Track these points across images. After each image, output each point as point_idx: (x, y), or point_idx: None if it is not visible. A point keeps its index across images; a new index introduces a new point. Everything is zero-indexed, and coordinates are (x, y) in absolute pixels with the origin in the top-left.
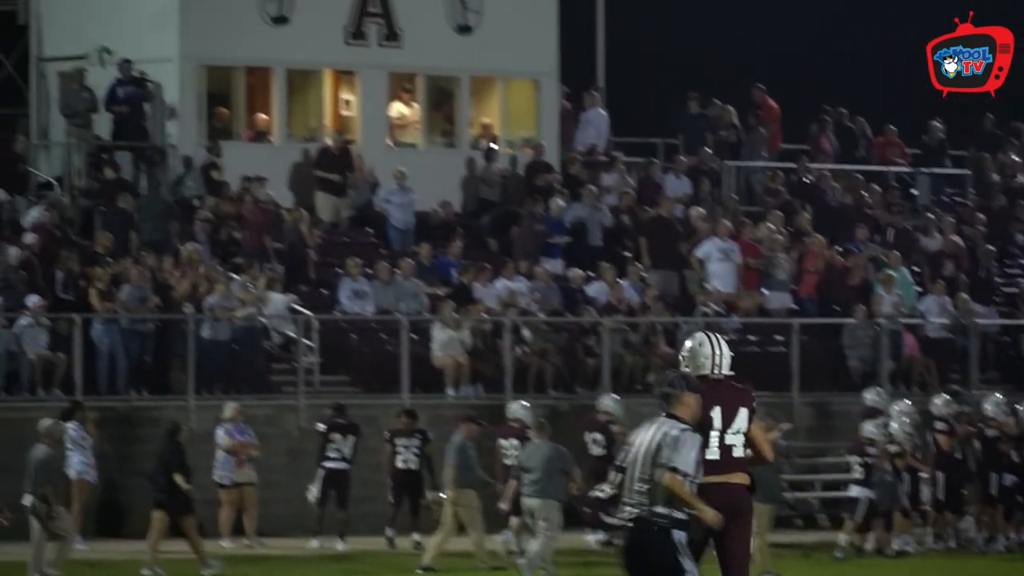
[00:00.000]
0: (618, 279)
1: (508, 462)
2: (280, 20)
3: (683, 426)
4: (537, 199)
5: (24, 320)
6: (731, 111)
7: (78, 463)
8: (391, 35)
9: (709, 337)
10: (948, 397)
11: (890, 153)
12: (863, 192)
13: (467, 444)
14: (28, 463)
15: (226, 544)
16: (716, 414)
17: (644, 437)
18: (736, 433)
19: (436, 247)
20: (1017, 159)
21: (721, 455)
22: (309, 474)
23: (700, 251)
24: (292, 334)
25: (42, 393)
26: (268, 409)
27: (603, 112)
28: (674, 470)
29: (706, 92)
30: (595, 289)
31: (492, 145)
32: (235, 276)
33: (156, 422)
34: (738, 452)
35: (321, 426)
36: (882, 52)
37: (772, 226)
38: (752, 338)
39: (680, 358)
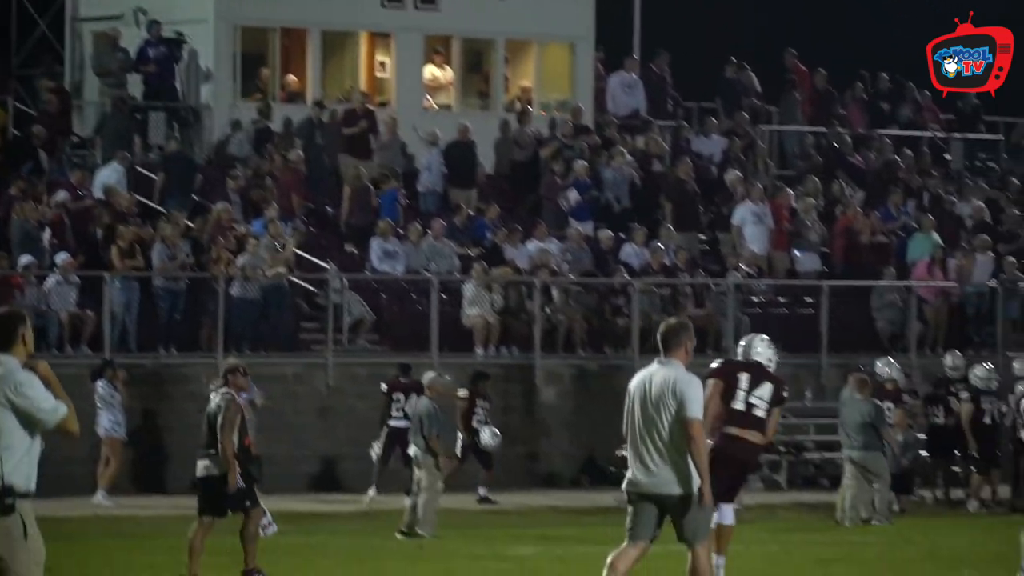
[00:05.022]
0: (651, 241)
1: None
2: None
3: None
4: (561, 160)
5: (53, 278)
6: (753, 77)
7: (107, 421)
8: None
9: (764, 340)
10: None
11: (924, 118)
12: (896, 157)
13: (434, 407)
14: None
15: None
16: (743, 378)
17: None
18: (759, 398)
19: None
20: None
21: (746, 409)
22: (338, 432)
23: (735, 216)
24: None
25: (70, 350)
26: (297, 367)
27: (637, 77)
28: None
29: (741, 57)
30: (627, 251)
31: (528, 107)
32: (264, 235)
33: (184, 380)
34: (759, 412)
35: (384, 386)
36: (917, 18)
37: (805, 190)
38: (782, 300)
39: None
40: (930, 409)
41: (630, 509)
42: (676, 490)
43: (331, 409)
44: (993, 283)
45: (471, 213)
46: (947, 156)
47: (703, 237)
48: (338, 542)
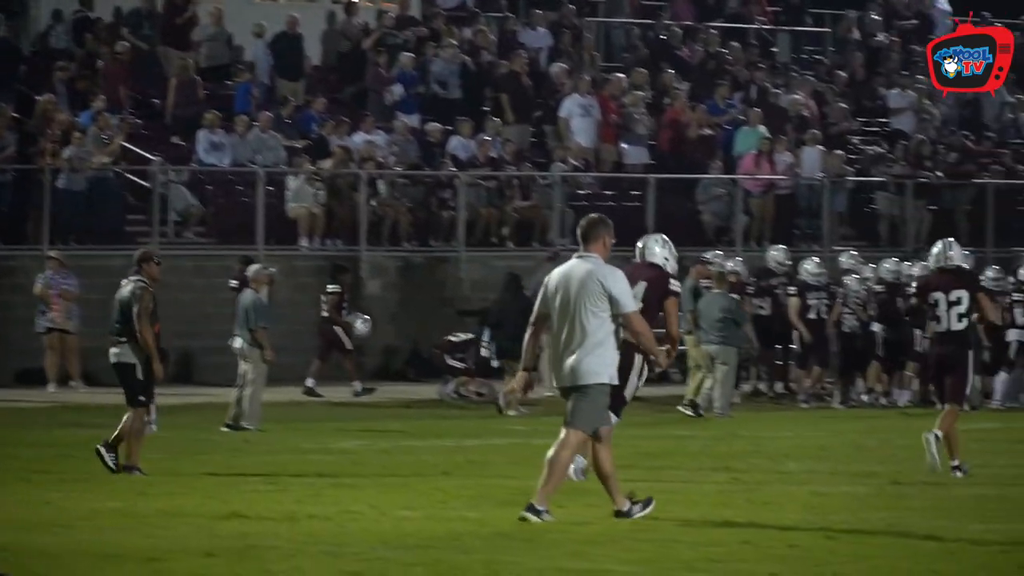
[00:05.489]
0: (478, 134)
1: None
2: None
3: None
4: (386, 51)
5: None
6: None
7: None
8: None
9: (658, 240)
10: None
11: (751, 11)
12: (723, 49)
13: (259, 299)
14: None
15: (52, 388)
16: (639, 282)
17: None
18: (636, 297)
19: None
20: (877, 18)
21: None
22: (164, 324)
23: (562, 109)
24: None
25: None
26: (124, 260)
27: None
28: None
29: None
30: (454, 144)
31: None
32: (91, 127)
33: (11, 272)
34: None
35: (233, 282)
36: None
37: (632, 82)
38: (608, 193)
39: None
40: (755, 302)
41: (567, 402)
42: (580, 381)
43: (158, 301)
44: (820, 177)
45: (298, 105)
46: (774, 49)
47: (532, 130)
48: (162, 435)
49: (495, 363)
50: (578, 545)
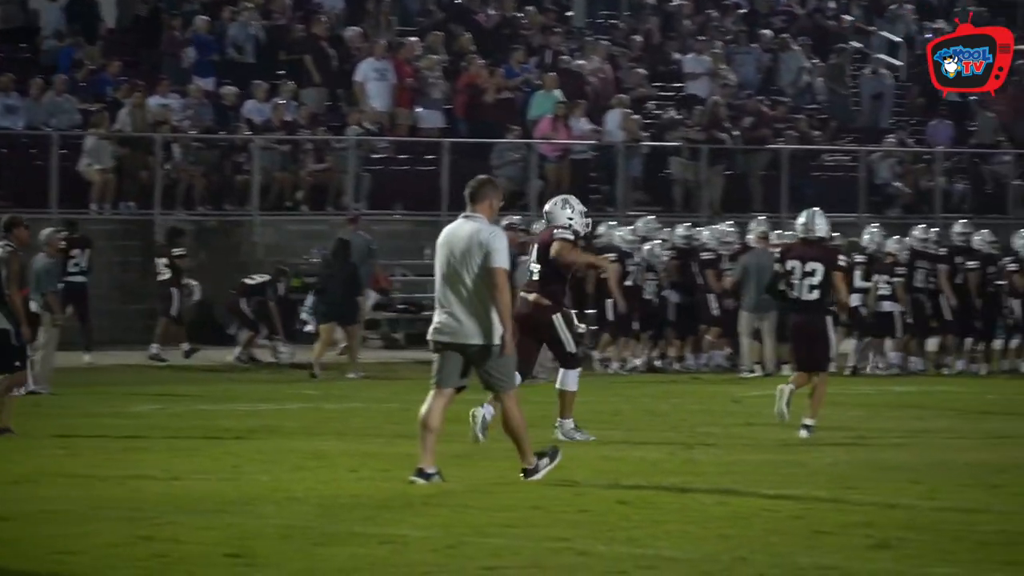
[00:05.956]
0: (272, 98)
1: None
2: None
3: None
4: (179, 16)
5: None
6: None
7: None
8: None
9: (556, 203)
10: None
11: None
12: (518, 13)
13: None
14: None
15: None
16: (534, 249)
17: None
18: (534, 262)
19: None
20: None
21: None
22: None
23: (358, 73)
24: None
25: None
26: None
27: None
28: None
29: None
30: (249, 107)
31: None
32: None
33: None
34: (535, 275)
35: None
36: None
37: (428, 46)
38: (403, 156)
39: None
40: None
41: (436, 358)
42: (478, 340)
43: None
44: (615, 141)
45: (93, 68)
46: (569, 13)
47: (328, 92)
48: None
49: (310, 328)
50: (371, 510)
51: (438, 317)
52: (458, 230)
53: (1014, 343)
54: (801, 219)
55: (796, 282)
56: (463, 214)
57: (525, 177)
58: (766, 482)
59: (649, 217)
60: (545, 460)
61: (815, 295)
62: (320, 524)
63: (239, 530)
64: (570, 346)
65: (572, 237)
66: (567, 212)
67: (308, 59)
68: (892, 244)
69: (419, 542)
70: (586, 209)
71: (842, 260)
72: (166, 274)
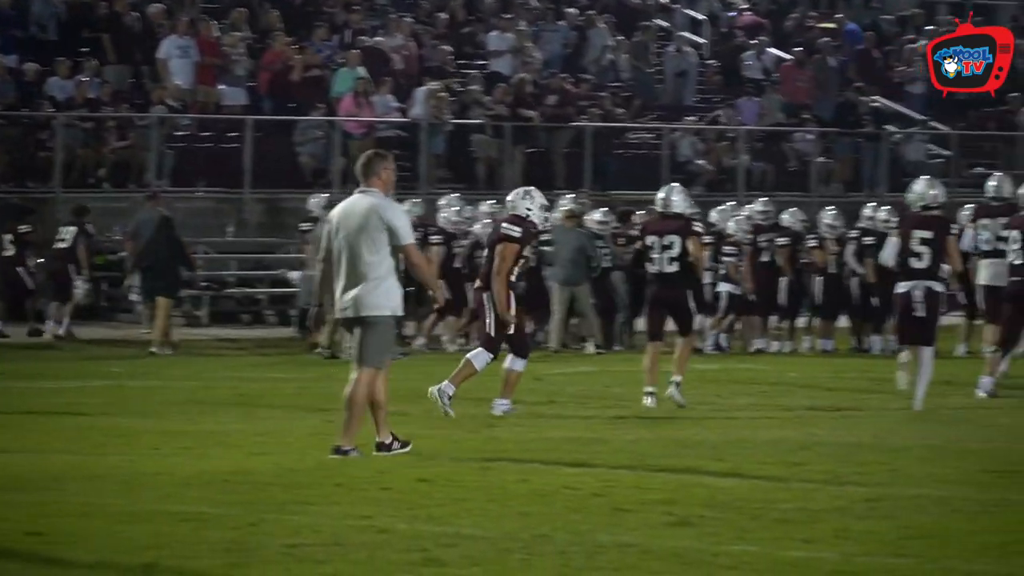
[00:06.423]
0: (75, 75)
1: None
2: None
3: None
4: None
5: None
6: None
7: None
8: None
9: (528, 193)
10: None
11: None
12: None
13: None
14: None
15: None
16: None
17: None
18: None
19: None
20: None
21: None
22: None
23: (161, 50)
24: None
25: None
26: None
27: None
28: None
29: None
30: (52, 84)
31: None
32: None
33: None
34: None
35: None
36: None
37: (232, 23)
38: (206, 134)
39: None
40: None
41: (347, 336)
42: (364, 312)
43: None
44: (417, 119)
45: None
46: None
47: (131, 70)
48: None
49: (139, 305)
50: (173, 488)
51: (340, 295)
52: (354, 206)
53: (816, 321)
54: (660, 195)
55: (656, 256)
56: (358, 189)
57: (328, 155)
58: (567, 459)
59: (453, 195)
60: (397, 444)
61: (675, 267)
62: (122, 502)
63: (40, 508)
64: (493, 328)
65: (516, 233)
66: (526, 203)
67: (106, 38)
68: (731, 224)
69: (220, 520)
70: (548, 203)
71: (698, 227)
72: (10, 250)
